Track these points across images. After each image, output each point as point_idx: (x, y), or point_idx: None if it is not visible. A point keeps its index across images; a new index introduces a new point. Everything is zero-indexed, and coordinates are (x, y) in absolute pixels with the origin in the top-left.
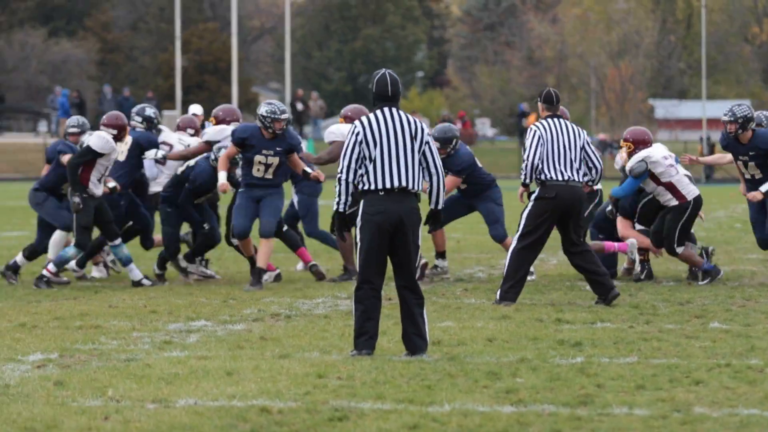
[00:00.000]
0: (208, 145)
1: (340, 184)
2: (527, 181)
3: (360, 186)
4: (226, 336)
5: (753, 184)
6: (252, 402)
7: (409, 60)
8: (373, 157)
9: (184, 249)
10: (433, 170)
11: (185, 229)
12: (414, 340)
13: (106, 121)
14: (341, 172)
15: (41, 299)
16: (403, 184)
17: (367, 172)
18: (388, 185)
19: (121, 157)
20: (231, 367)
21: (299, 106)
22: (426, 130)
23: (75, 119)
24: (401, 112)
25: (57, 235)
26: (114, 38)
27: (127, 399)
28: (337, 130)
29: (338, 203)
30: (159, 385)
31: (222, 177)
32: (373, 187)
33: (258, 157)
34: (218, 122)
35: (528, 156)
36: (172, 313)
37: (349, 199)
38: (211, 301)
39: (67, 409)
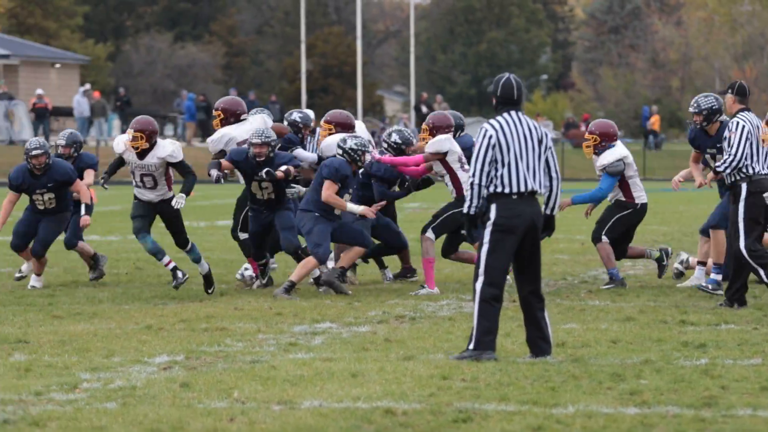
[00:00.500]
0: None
1: (472, 188)
2: (725, 172)
3: (492, 189)
4: (351, 338)
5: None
6: (377, 404)
7: (533, 63)
8: (506, 162)
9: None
10: (553, 174)
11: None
12: (539, 344)
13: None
14: (473, 176)
15: (167, 302)
16: (535, 187)
17: (499, 175)
18: (522, 189)
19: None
20: (356, 369)
21: (424, 109)
22: (550, 135)
23: (36, 141)
24: (526, 117)
25: None
26: (239, 42)
27: (252, 400)
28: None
29: (469, 206)
30: (284, 387)
31: (356, 206)
32: (507, 190)
33: (346, 196)
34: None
35: (737, 151)
36: (297, 315)
37: (481, 201)
38: (335, 304)
39: (192, 410)
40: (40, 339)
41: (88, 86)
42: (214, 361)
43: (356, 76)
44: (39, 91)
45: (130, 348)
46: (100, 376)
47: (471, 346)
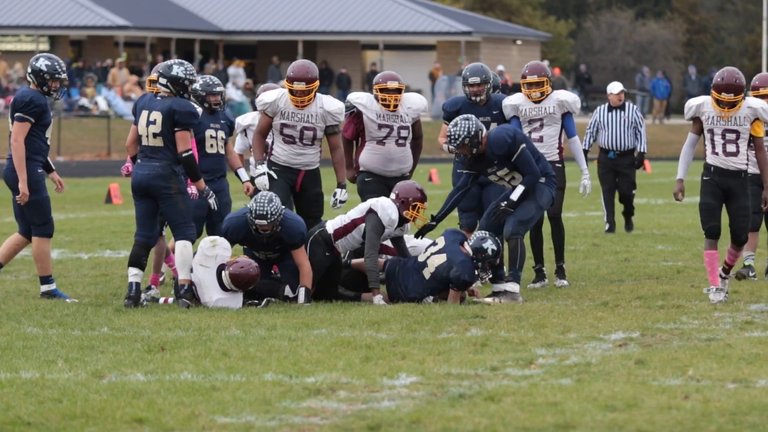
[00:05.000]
0: None
1: None
2: None
3: None
4: None
5: None
6: None
7: None
8: None
9: None
10: None
11: None
12: None
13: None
14: None
15: (624, 279)
16: None
17: None
18: None
19: None
20: None
21: None
22: None
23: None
24: None
25: None
26: (701, 19)
27: (707, 378)
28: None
29: None
30: (739, 365)
31: None
32: None
33: None
34: None
35: None
36: (754, 293)
37: None
38: None
39: (647, 387)
40: (497, 314)
41: (546, 63)
42: (669, 338)
43: None
44: (500, 68)
45: (586, 324)
46: (555, 352)
47: None
